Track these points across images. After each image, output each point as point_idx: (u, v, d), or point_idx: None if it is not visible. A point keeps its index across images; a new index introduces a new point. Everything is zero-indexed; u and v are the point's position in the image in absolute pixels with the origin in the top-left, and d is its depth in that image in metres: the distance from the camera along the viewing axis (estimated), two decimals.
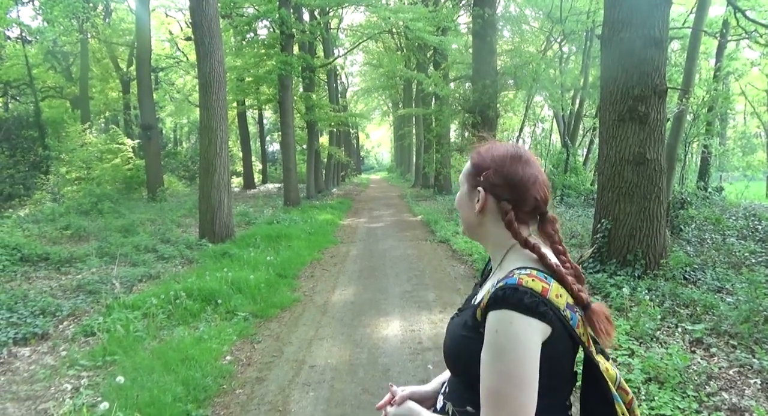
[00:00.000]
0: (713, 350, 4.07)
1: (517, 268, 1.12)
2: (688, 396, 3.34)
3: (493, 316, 1.05)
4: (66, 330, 5.21)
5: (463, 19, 24.34)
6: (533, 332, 1.02)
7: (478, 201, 1.21)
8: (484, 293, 1.15)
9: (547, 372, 1.04)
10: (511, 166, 1.18)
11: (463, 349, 1.14)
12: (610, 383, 1.14)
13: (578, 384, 1.22)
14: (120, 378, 3.43)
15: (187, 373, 3.86)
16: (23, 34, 21.68)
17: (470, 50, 17.76)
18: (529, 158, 1.20)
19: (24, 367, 4.34)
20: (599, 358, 1.15)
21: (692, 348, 4.15)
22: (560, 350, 1.07)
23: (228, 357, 4.46)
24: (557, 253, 1.19)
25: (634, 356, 3.93)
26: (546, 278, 1.09)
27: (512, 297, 1.03)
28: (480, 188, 1.20)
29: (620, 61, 6.24)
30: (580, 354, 1.16)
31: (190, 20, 11.14)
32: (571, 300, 1.09)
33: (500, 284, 1.08)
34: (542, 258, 1.13)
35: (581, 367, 1.20)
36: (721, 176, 15.58)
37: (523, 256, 1.16)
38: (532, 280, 1.06)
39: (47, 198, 15.31)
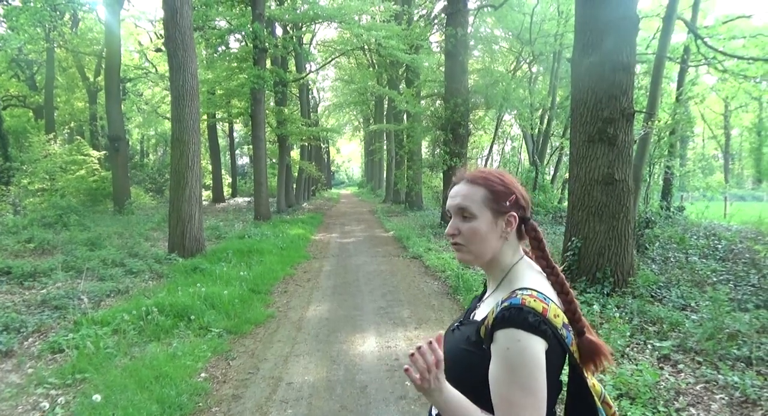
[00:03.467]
0: (680, 366, 4.21)
1: (519, 289, 1.19)
2: (659, 411, 3.44)
3: (502, 335, 1.12)
4: (32, 347, 5.06)
5: (435, 38, 24.76)
6: (539, 346, 1.11)
7: (508, 227, 1.27)
8: (488, 311, 1.21)
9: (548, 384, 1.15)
10: (521, 187, 1.32)
11: (465, 362, 1.22)
12: (595, 397, 1.25)
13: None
14: (96, 397, 3.35)
15: (161, 391, 3.80)
16: None
17: (442, 68, 18.04)
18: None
19: None
20: (587, 374, 1.25)
21: (660, 365, 4.28)
22: (553, 363, 1.15)
23: (203, 375, 4.39)
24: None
25: (606, 372, 4.03)
26: (545, 299, 1.16)
27: (518, 317, 1.11)
28: (512, 213, 1.27)
29: (590, 85, 6.46)
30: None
31: (164, 33, 11.06)
32: (566, 320, 1.19)
33: (505, 304, 1.15)
34: (560, 284, 1.25)
35: (566, 379, 1.31)
36: (682, 196, 16.14)
37: (523, 276, 1.25)
38: (534, 301, 1.14)
39: (8, 210, 14.82)
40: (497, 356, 1.12)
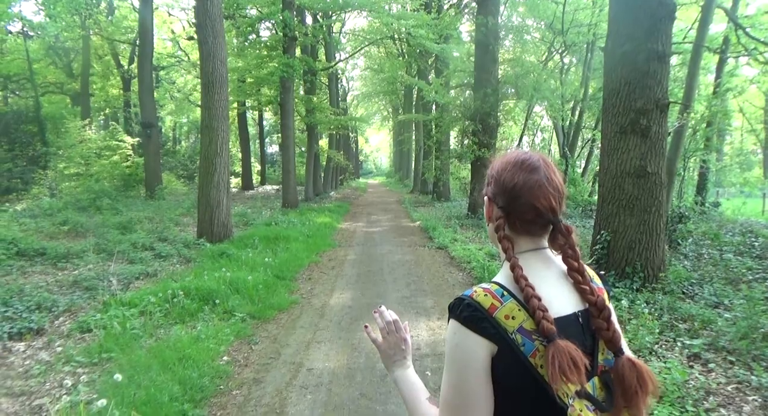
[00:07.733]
0: (711, 366, 4.07)
1: (488, 282, 1.09)
2: (687, 411, 3.34)
3: (448, 325, 1.07)
4: (62, 326, 5.19)
5: (465, 27, 24.46)
6: (474, 345, 1.00)
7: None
8: None
9: (501, 392, 1.01)
10: (510, 172, 1.12)
11: None
12: None
13: None
14: (118, 376, 3.41)
15: (184, 372, 3.85)
16: (24, 29, 21.60)
17: (472, 58, 17.80)
18: (533, 164, 1.11)
19: (18, 362, 4.31)
20: (575, 403, 0.95)
21: (690, 363, 4.16)
22: (511, 373, 0.99)
23: (225, 358, 4.44)
24: (570, 268, 1.11)
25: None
26: (503, 297, 1.03)
27: (456, 309, 1.05)
28: (486, 197, 1.19)
29: (623, 74, 6.26)
30: None
31: (194, 20, 11.16)
32: (531, 326, 0.99)
33: (459, 294, 1.09)
34: (516, 279, 1.04)
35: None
36: (718, 191, 15.66)
37: (505, 270, 1.10)
38: (485, 295, 1.03)
39: (45, 193, 15.24)
40: None
